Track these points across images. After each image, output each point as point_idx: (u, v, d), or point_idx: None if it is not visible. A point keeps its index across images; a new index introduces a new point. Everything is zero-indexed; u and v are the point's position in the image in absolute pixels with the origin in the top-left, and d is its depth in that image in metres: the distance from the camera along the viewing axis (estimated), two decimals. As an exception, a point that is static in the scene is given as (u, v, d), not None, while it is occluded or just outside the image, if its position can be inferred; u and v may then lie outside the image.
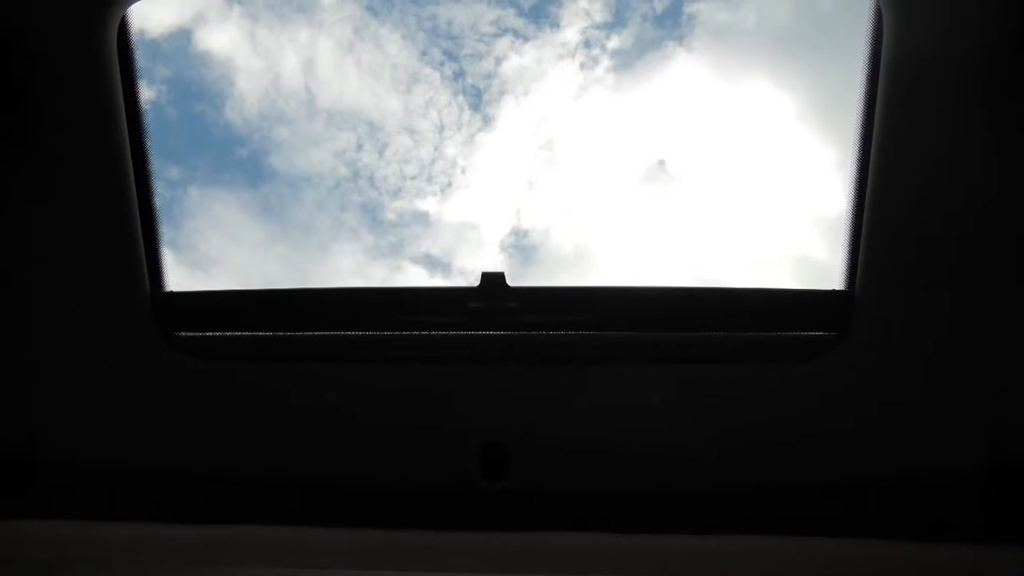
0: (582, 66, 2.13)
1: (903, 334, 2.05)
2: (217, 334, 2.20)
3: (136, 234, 2.07)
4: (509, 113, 2.17)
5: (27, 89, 1.97)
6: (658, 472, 2.22)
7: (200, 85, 2.14)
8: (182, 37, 2.14)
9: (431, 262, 2.23)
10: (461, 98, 2.13)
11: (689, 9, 2.10)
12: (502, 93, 2.13)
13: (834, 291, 2.07)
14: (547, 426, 2.18)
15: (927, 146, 1.93)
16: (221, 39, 2.11)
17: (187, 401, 2.20)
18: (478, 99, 2.14)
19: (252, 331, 2.18)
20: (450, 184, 2.19)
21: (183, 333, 2.18)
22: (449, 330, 2.12)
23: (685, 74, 2.13)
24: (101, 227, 2.09)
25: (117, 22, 1.95)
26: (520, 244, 2.23)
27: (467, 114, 2.16)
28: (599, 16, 2.10)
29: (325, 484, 2.25)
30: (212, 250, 2.26)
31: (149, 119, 2.04)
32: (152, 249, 2.11)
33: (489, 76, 2.12)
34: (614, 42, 2.11)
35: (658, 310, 2.19)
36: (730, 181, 2.20)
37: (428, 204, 2.20)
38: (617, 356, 2.16)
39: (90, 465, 2.27)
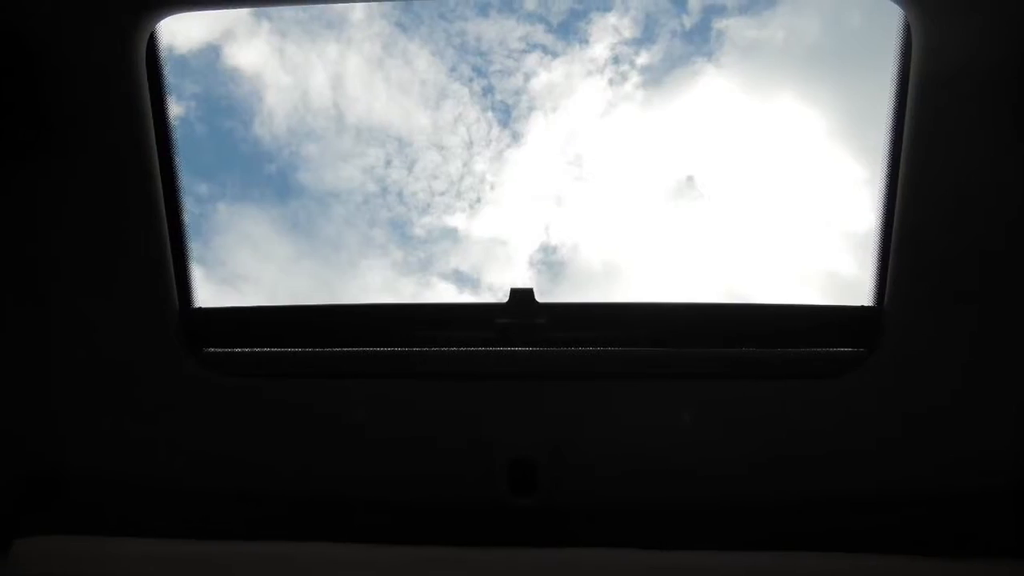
0: (611, 82, 2.14)
1: (932, 349, 2.05)
2: (245, 350, 2.20)
3: (164, 250, 2.07)
4: (538, 129, 2.17)
5: (55, 103, 1.97)
6: (686, 488, 2.22)
7: (229, 101, 2.15)
8: (211, 53, 2.15)
9: (460, 278, 2.23)
10: (490, 114, 2.14)
11: (718, 25, 2.11)
12: (531, 109, 2.14)
13: (862, 307, 2.07)
14: (575, 442, 2.17)
15: (956, 161, 1.93)
16: (250, 55, 2.12)
17: (214, 417, 2.20)
18: (507, 115, 2.15)
19: (280, 347, 2.18)
20: (479, 200, 2.19)
21: (211, 349, 2.17)
22: (478, 346, 2.12)
23: (714, 90, 2.14)
24: (129, 243, 2.09)
25: (146, 37, 1.95)
26: (549, 260, 2.24)
27: (496, 130, 2.17)
28: (628, 32, 2.11)
29: (352, 500, 2.24)
30: (241, 266, 2.27)
31: (178, 135, 2.03)
32: (180, 265, 2.11)
33: (518, 92, 2.13)
34: (643, 58, 2.12)
35: (686, 326, 2.18)
36: (758, 197, 2.21)
37: (457, 220, 2.21)
38: (645, 372, 2.16)
39: (115, 481, 2.27)
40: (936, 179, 1.94)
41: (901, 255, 1.97)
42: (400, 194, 2.19)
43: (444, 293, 2.23)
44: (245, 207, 2.22)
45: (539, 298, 2.08)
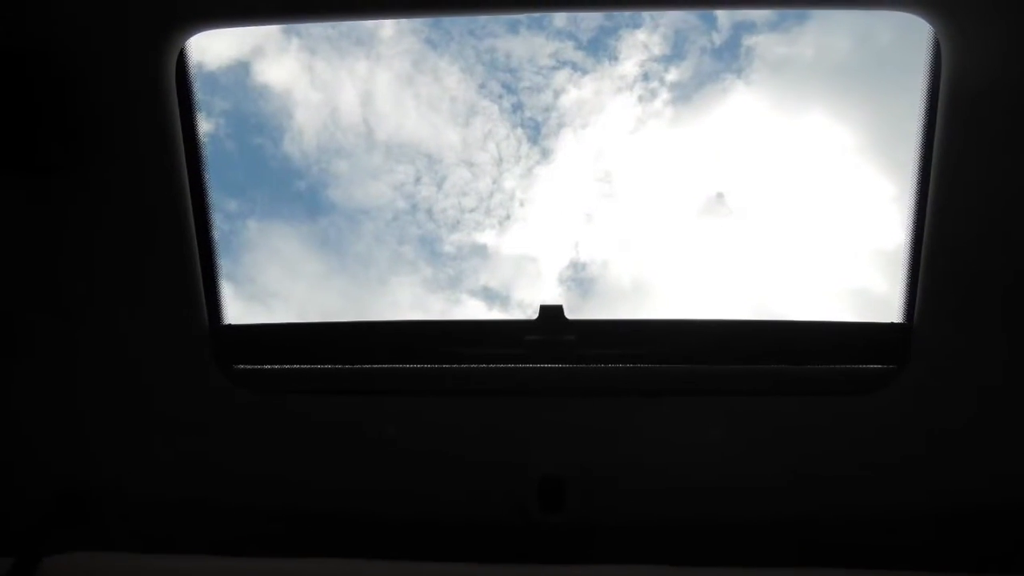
0: (640, 99, 2.14)
1: (961, 366, 2.04)
2: (275, 367, 2.20)
3: (194, 267, 2.07)
4: (567, 146, 2.17)
5: (86, 118, 1.98)
6: (716, 504, 2.22)
7: (258, 118, 2.15)
8: (240, 70, 2.15)
9: (489, 295, 2.23)
10: (519, 131, 2.14)
11: (748, 42, 2.11)
12: (560, 126, 2.14)
13: (892, 324, 2.08)
14: (605, 458, 2.18)
15: (986, 177, 1.93)
16: (280, 72, 2.12)
17: (244, 434, 2.20)
18: (536, 132, 2.14)
19: (310, 364, 2.18)
20: (508, 217, 2.19)
21: (241, 366, 2.18)
22: (508, 363, 2.12)
23: (743, 107, 2.14)
24: (159, 259, 2.09)
25: (176, 53, 1.96)
26: (578, 277, 2.23)
27: (525, 147, 2.17)
28: (657, 49, 2.11)
29: (382, 517, 2.24)
30: (271, 283, 2.26)
31: (208, 151, 2.03)
32: (210, 282, 2.11)
33: (547, 109, 2.13)
34: (672, 75, 2.12)
35: (716, 343, 2.19)
36: (787, 213, 2.21)
37: (487, 237, 2.21)
38: (675, 389, 2.16)
39: (144, 497, 2.27)
40: (966, 195, 1.94)
41: (931, 272, 1.97)
42: (430, 211, 2.19)
43: (473, 310, 2.23)
44: (275, 224, 2.22)
45: (569, 315, 2.08)
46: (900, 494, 2.15)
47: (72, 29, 1.92)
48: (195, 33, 2.02)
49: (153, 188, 2.05)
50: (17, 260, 2.11)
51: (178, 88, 2.00)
